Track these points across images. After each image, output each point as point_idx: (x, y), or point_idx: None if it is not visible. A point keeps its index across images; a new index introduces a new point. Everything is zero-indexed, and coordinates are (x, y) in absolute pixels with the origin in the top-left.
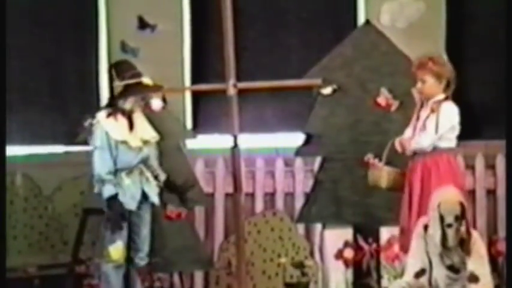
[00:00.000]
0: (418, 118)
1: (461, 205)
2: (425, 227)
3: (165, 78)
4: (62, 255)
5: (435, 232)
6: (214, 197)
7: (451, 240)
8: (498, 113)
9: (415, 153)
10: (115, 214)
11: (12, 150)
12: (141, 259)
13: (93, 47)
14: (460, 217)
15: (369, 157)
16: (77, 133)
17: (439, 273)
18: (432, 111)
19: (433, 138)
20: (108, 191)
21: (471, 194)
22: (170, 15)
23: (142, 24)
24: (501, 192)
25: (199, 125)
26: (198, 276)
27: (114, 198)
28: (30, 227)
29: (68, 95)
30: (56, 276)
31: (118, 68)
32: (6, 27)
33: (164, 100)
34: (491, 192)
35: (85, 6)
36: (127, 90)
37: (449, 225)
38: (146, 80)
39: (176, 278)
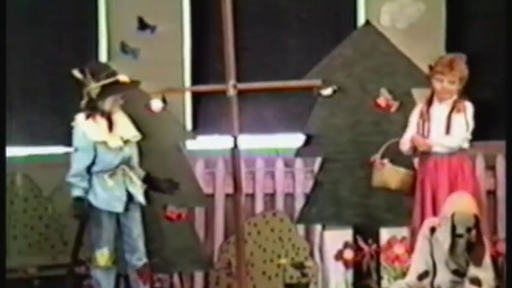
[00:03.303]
0: (428, 118)
1: (476, 217)
2: (432, 230)
3: (165, 79)
4: (62, 255)
5: (444, 240)
6: (214, 197)
7: (459, 250)
8: (498, 114)
9: (423, 153)
10: (80, 215)
11: (12, 151)
12: (139, 259)
13: (93, 48)
14: (472, 228)
15: (376, 157)
16: None
17: (443, 277)
18: (458, 111)
19: (463, 139)
20: (76, 191)
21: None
22: (170, 16)
23: (142, 25)
24: (501, 193)
25: (199, 126)
26: (198, 277)
27: (80, 200)
28: (30, 228)
29: (68, 96)
30: (55, 276)
31: (92, 70)
32: (6, 27)
33: (164, 101)
34: (491, 193)
35: (85, 7)
36: (104, 91)
37: (460, 236)
38: (122, 77)
39: (176, 279)
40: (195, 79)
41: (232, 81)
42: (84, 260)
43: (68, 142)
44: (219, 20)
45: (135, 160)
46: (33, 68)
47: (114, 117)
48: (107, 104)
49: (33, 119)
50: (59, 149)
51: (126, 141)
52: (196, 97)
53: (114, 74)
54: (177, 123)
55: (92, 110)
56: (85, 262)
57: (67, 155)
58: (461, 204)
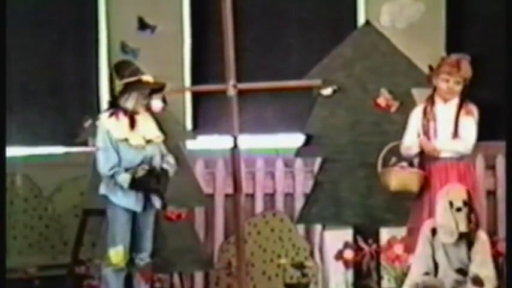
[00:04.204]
0: (434, 118)
1: (468, 193)
2: (433, 231)
3: (165, 79)
4: (62, 256)
5: (447, 220)
6: (214, 197)
7: (462, 226)
8: (498, 114)
9: (432, 157)
10: (148, 186)
11: (12, 151)
12: (142, 259)
13: (93, 48)
14: (468, 204)
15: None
16: (76, 134)
17: (447, 276)
18: (467, 113)
19: (473, 144)
20: (124, 180)
21: None
22: (170, 16)
23: (142, 25)
24: (501, 192)
25: (199, 126)
26: (198, 277)
27: (135, 181)
28: (30, 228)
29: (68, 96)
30: (56, 276)
31: (117, 68)
32: (6, 27)
33: (164, 101)
34: (491, 193)
35: (85, 7)
36: (127, 89)
37: (459, 209)
38: (146, 77)
39: (176, 279)
40: (195, 79)
41: (232, 81)
42: (85, 260)
43: (68, 142)
44: (219, 20)
45: (157, 160)
46: (33, 68)
47: (137, 117)
48: (130, 102)
49: (33, 119)
50: (59, 149)
51: (148, 141)
52: (196, 97)
53: (138, 72)
54: (177, 123)
55: (115, 107)
56: (85, 262)
57: (67, 155)
58: (452, 184)
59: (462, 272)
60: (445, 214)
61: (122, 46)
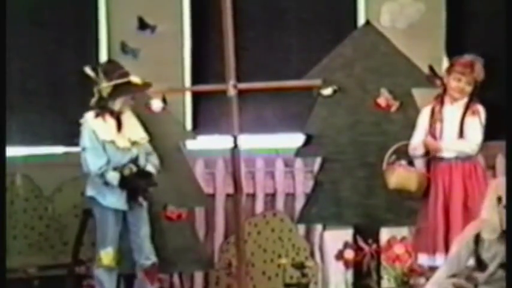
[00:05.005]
0: (441, 119)
1: None
2: (477, 238)
3: (165, 79)
4: (62, 255)
5: (492, 216)
6: (214, 197)
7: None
8: (498, 114)
9: (437, 157)
10: (136, 184)
11: (12, 151)
12: (147, 259)
13: (93, 48)
14: None
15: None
16: (76, 134)
17: (496, 273)
18: (472, 113)
19: (479, 144)
20: (114, 178)
21: None
22: (170, 16)
23: (142, 25)
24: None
25: (199, 126)
26: (198, 277)
27: (124, 179)
28: (30, 228)
29: (68, 96)
30: (56, 276)
31: (105, 69)
32: (6, 28)
33: (164, 101)
34: None
35: (85, 7)
36: (116, 90)
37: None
38: (134, 78)
39: (176, 279)
40: (195, 79)
41: (232, 81)
42: (85, 260)
43: (68, 142)
44: (219, 20)
45: (141, 160)
46: (33, 68)
47: (122, 118)
48: (117, 103)
49: (33, 119)
50: (59, 149)
51: (133, 143)
52: (196, 97)
53: (126, 74)
54: (177, 123)
55: (102, 109)
56: (85, 262)
57: (67, 155)
58: (502, 179)
59: (504, 266)
60: (491, 209)
61: (122, 46)
